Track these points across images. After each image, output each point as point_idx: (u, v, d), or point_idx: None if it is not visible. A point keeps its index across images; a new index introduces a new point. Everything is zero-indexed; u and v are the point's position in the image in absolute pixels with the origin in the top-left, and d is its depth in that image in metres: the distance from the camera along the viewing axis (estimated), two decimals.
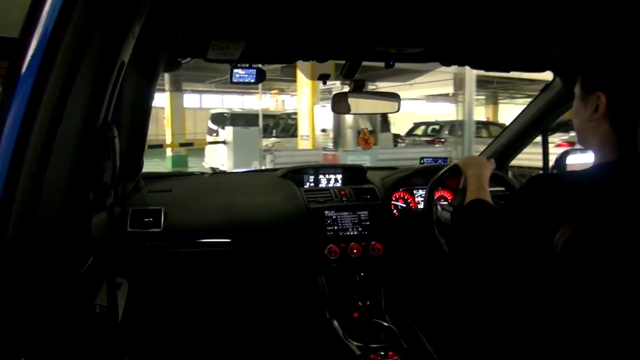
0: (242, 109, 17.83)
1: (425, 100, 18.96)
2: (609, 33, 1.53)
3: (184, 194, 1.99)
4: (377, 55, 1.81)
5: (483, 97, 19.64)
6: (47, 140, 0.75)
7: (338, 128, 9.52)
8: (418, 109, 18.16)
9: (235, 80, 1.79)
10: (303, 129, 10.65)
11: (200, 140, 14.30)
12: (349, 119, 9.26)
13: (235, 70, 1.77)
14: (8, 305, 0.75)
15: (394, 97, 2.19)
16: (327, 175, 2.26)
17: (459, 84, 10.23)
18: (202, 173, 2.36)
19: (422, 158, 2.49)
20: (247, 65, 1.77)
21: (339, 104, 2.09)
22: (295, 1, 1.23)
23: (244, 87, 17.89)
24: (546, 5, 1.28)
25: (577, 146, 1.47)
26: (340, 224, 2.05)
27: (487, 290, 1.95)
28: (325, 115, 9.95)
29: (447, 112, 20.14)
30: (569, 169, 1.84)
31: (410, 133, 14.39)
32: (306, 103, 10.38)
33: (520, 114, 2.28)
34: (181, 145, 13.56)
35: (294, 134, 11.75)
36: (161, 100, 21.55)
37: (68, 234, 0.90)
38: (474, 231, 1.34)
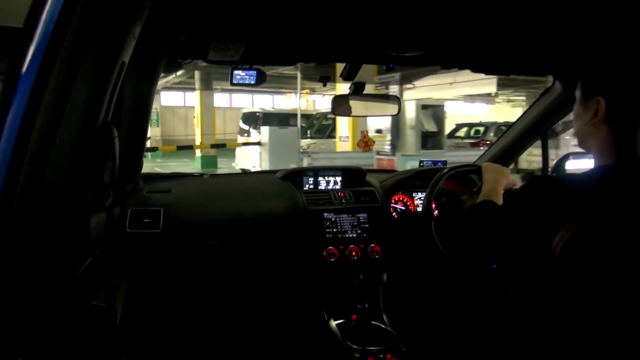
0: (274, 108, 17.40)
1: (463, 101, 18.35)
2: (608, 37, 1.54)
3: (183, 195, 1.99)
4: (377, 58, 1.81)
5: (524, 97, 19.09)
6: (47, 140, 0.75)
7: (397, 129, 8.83)
8: (451, 110, 16.81)
9: (235, 82, 1.79)
10: (342, 129, 10.15)
11: (231, 141, 13.89)
12: (410, 117, 8.60)
13: (236, 72, 1.77)
14: (6, 305, 0.75)
15: (394, 99, 2.19)
16: (326, 178, 2.26)
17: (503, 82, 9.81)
18: (202, 174, 2.36)
19: (421, 161, 2.49)
20: (248, 66, 1.78)
21: (339, 106, 2.09)
22: (295, 3, 1.23)
23: (275, 87, 17.42)
24: (546, 10, 1.29)
25: (577, 149, 1.47)
26: (339, 226, 2.05)
27: (485, 294, 1.95)
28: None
29: (481, 113, 19.89)
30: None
31: (452, 135, 13.53)
32: None
33: (519, 117, 2.29)
34: (213, 146, 12.88)
35: (331, 135, 11.31)
36: (191, 99, 21.17)
37: (67, 233, 0.90)
38: (478, 229, 1.34)
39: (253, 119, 12.18)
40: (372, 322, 1.94)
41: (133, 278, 1.78)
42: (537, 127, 2.17)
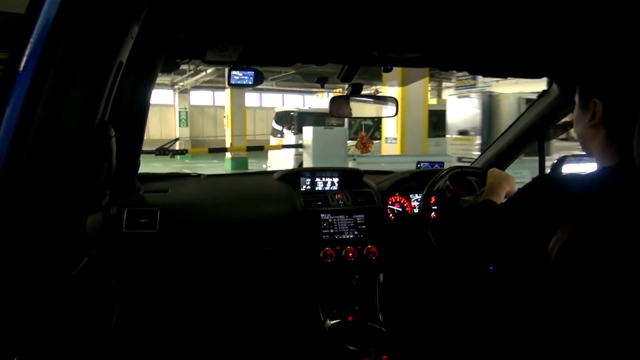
0: (309, 107, 16.66)
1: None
2: (605, 40, 1.54)
3: (180, 195, 1.99)
4: (375, 59, 1.81)
5: None
6: (44, 139, 0.75)
7: (489, 129, 7.74)
8: None
9: (233, 82, 1.79)
10: (389, 130, 9.08)
11: (261, 141, 13.34)
12: (509, 113, 7.22)
13: (234, 72, 1.77)
14: (1, 304, 0.75)
15: (392, 101, 2.20)
16: (323, 179, 2.26)
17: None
18: (199, 175, 2.36)
19: (418, 162, 2.49)
20: (246, 67, 1.78)
21: (337, 108, 2.09)
22: (293, 4, 1.23)
23: (308, 86, 16.99)
24: (543, 12, 1.29)
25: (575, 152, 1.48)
26: (336, 228, 2.05)
27: (482, 295, 1.95)
28: (464, 112, 8.17)
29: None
30: None
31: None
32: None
33: (516, 120, 2.29)
34: (249, 149, 11.52)
35: (373, 136, 10.33)
36: (220, 98, 20.25)
37: (63, 233, 0.90)
38: (477, 228, 1.34)
39: (287, 119, 11.47)
40: (368, 323, 1.94)
41: (129, 278, 1.77)
42: (535, 130, 2.17)
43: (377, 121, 10.64)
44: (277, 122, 11.88)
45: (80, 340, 1.05)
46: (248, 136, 15.06)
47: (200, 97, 22.87)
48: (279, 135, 11.53)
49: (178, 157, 13.07)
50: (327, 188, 2.26)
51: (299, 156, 9.91)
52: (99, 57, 0.80)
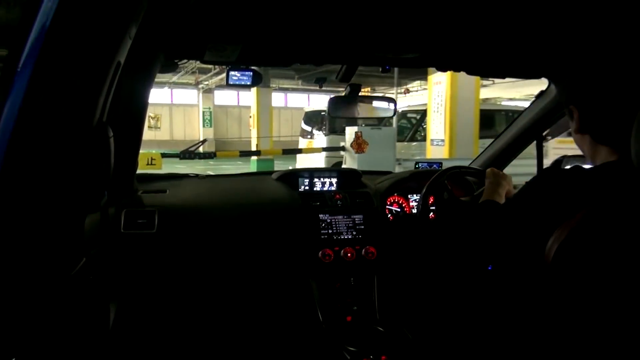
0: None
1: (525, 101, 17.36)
2: (602, 40, 1.55)
3: (178, 196, 1.99)
4: (373, 60, 1.81)
5: None
6: (42, 140, 0.75)
7: None
8: None
9: (231, 83, 1.79)
10: (435, 131, 8.32)
11: (287, 142, 12.81)
12: None
13: (232, 73, 1.77)
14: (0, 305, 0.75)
15: (390, 101, 2.20)
16: (322, 179, 2.26)
17: None
18: (197, 175, 2.35)
19: (417, 162, 2.50)
20: (244, 67, 1.78)
21: (335, 108, 2.10)
22: (292, 5, 1.24)
23: (334, 85, 16.54)
24: (541, 13, 1.29)
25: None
26: (334, 228, 2.05)
27: (480, 295, 1.95)
28: None
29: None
30: None
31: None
32: (441, 97, 7.96)
33: (514, 121, 2.29)
34: (285, 152, 10.43)
35: (413, 138, 9.64)
36: (245, 98, 19.80)
37: (61, 233, 0.90)
38: (480, 227, 1.35)
39: (317, 120, 10.63)
40: (367, 324, 1.94)
41: (127, 279, 1.77)
42: (533, 130, 2.18)
43: (418, 121, 9.82)
44: (306, 123, 11.19)
45: (79, 340, 1.05)
46: (273, 137, 14.45)
47: (224, 97, 22.57)
48: (309, 137, 10.86)
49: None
50: (325, 188, 2.26)
51: (331, 158, 9.27)
52: (96, 57, 0.80)
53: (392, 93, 18.72)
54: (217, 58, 1.70)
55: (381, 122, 10.07)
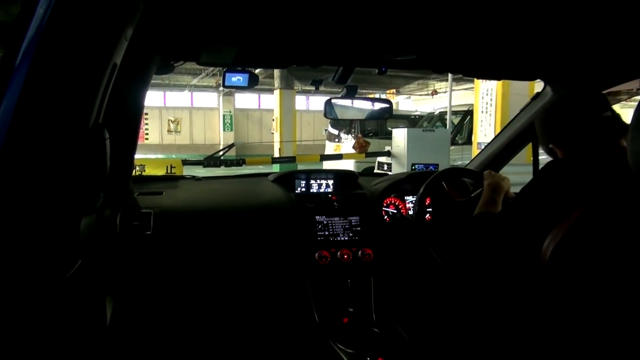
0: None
1: None
2: (599, 42, 1.55)
3: (174, 198, 1.98)
4: (370, 61, 1.82)
5: None
6: (37, 141, 0.75)
7: None
8: None
9: (227, 84, 1.79)
10: (483, 133, 7.69)
11: (309, 147, 12.45)
12: None
13: (228, 74, 1.77)
14: None
15: (386, 102, 2.20)
16: (318, 181, 2.26)
17: None
18: (193, 177, 2.35)
19: (413, 164, 2.50)
20: (240, 69, 1.78)
21: (331, 109, 2.10)
22: (288, 7, 1.24)
23: (362, 88, 15.64)
24: (536, 15, 1.30)
25: None
26: (331, 229, 2.05)
27: (477, 297, 1.95)
28: None
29: None
30: None
31: None
32: (491, 95, 7.36)
33: (510, 122, 2.30)
34: (323, 158, 9.43)
35: (453, 141, 8.72)
36: (267, 101, 19.41)
37: (56, 235, 0.90)
38: (476, 243, 1.37)
39: (345, 122, 10.12)
40: (364, 326, 1.94)
41: (123, 281, 1.76)
42: (528, 132, 2.18)
43: (460, 122, 9.38)
44: (333, 126, 10.76)
45: (75, 343, 1.04)
46: (293, 141, 13.98)
47: (245, 100, 22.19)
48: (337, 140, 10.45)
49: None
50: (322, 190, 2.26)
51: (361, 164, 8.74)
52: (93, 58, 0.80)
53: (420, 94, 18.70)
54: (214, 60, 1.70)
55: (414, 124, 9.63)
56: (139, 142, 1.89)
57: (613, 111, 1.31)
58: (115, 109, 1.53)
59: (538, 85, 2.13)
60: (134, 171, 1.96)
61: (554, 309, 1.01)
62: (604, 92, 1.85)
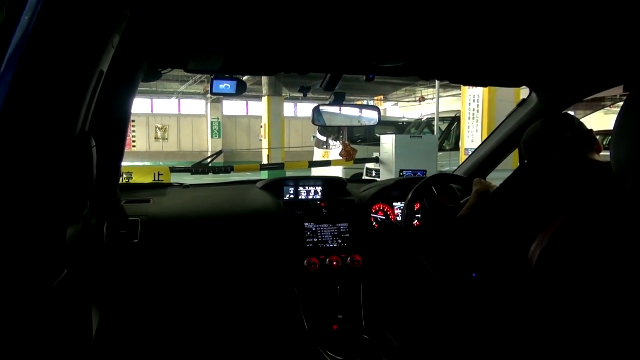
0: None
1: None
2: (584, 49, 1.58)
3: (162, 205, 1.97)
4: (357, 68, 1.83)
5: None
6: (22, 149, 0.74)
7: None
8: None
9: (215, 92, 1.79)
10: (470, 139, 7.76)
11: (296, 153, 12.52)
12: None
13: (216, 81, 1.77)
14: None
15: (374, 109, 2.22)
16: (306, 187, 2.26)
17: None
18: (181, 184, 2.34)
19: (401, 170, 2.51)
20: (228, 76, 1.78)
21: (319, 116, 2.10)
22: (276, 15, 1.24)
23: (350, 95, 16.03)
24: (522, 22, 1.31)
25: None
26: (319, 236, 2.05)
27: (465, 302, 1.96)
28: None
29: None
30: None
31: None
32: (477, 102, 7.50)
33: (496, 129, 2.32)
34: (312, 164, 9.43)
35: (441, 147, 8.96)
36: (254, 108, 19.43)
37: (41, 244, 0.88)
38: (458, 245, 1.39)
39: (333, 129, 10.17)
40: (353, 332, 1.94)
41: (110, 289, 1.74)
42: (514, 138, 2.20)
43: (447, 128, 9.46)
44: (322, 133, 10.86)
45: (60, 353, 1.03)
46: (281, 148, 13.98)
47: (233, 107, 22.12)
48: (325, 147, 10.55)
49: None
50: (310, 197, 2.26)
51: (349, 170, 8.89)
52: (79, 65, 0.79)
53: (408, 101, 18.83)
54: (201, 67, 1.70)
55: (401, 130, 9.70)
56: (126, 149, 1.88)
57: (580, 129, 1.46)
58: (102, 116, 1.52)
59: (524, 92, 2.16)
60: (120, 179, 1.94)
61: (542, 312, 1.01)
62: (589, 98, 1.89)
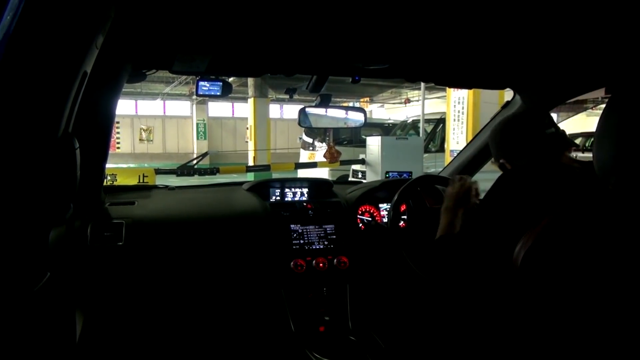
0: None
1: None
2: (567, 52, 1.60)
3: (147, 207, 1.95)
4: (343, 70, 1.83)
5: None
6: (3, 150, 0.73)
7: None
8: None
9: (200, 93, 1.78)
10: (456, 141, 7.79)
11: (283, 155, 12.44)
12: None
13: (201, 83, 1.76)
14: None
15: (359, 110, 2.22)
16: (293, 189, 2.26)
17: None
18: (166, 186, 2.32)
19: (387, 172, 2.52)
20: (214, 77, 1.77)
21: (305, 118, 2.10)
22: (261, 17, 1.24)
23: (337, 96, 15.29)
24: (506, 26, 1.33)
25: None
26: (306, 238, 2.04)
27: (452, 303, 1.97)
28: None
29: None
30: None
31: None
32: (463, 104, 7.54)
33: (481, 130, 2.35)
34: (298, 166, 9.20)
35: (426, 149, 8.90)
36: (240, 110, 19.49)
37: (23, 247, 0.87)
38: (442, 268, 1.42)
39: (320, 131, 10.11)
40: (340, 334, 1.94)
41: (94, 293, 1.72)
42: None
43: (433, 130, 9.43)
44: (308, 134, 10.80)
45: (43, 358, 1.01)
46: (267, 150, 13.91)
47: (219, 108, 22.00)
48: (311, 149, 10.50)
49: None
50: (296, 198, 2.25)
51: (335, 172, 8.86)
52: (62, 66, 0.78)
53: (394, 103, 18.92)
54: (186, 68, 1.69)
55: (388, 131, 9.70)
56: (111, 151, 1.86)
57: (557, 128, 1.45)
58: (86, 117, 1.50)
59: (508, 94, 2.18)
60: (105, 181, 1.92)
61: (528, 312, 1.02)
62: (571, 100, 1.92)
